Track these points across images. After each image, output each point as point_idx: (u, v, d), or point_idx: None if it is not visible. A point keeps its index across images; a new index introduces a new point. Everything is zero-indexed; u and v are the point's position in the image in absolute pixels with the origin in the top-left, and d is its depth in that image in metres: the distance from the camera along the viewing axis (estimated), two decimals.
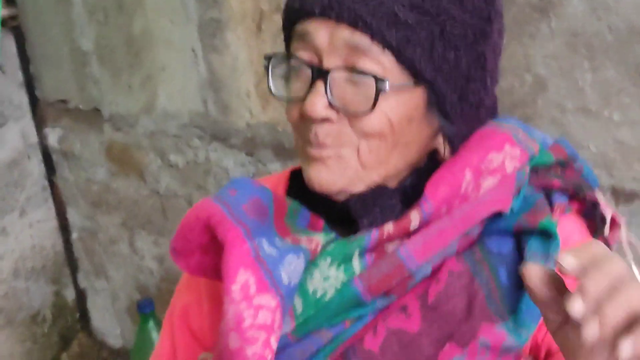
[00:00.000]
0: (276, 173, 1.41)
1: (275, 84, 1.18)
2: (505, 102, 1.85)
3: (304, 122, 1.13)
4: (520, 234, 1.15)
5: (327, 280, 1.13)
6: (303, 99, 1.11)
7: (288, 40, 1.18)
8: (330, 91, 1.09)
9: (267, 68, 1.17)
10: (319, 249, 1.15)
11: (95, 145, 3.07)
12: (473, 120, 1.19)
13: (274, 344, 1.08)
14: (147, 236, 3.04)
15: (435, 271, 1.14)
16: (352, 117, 1.10)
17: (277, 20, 2.29)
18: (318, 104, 1.09)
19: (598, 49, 1.72)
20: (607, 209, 1.24)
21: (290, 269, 1.11)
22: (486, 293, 1.12)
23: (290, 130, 2.33)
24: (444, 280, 1.13)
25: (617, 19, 1.66)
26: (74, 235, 3.32)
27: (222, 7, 2.41)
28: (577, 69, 1.76)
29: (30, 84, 3.17)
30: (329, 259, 1.14)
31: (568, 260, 0.87)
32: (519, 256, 1.14)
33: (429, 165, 1.19)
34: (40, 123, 3.20)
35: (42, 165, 3.24)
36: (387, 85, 1.07)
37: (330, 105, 1.10)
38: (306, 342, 1.13)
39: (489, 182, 1.16)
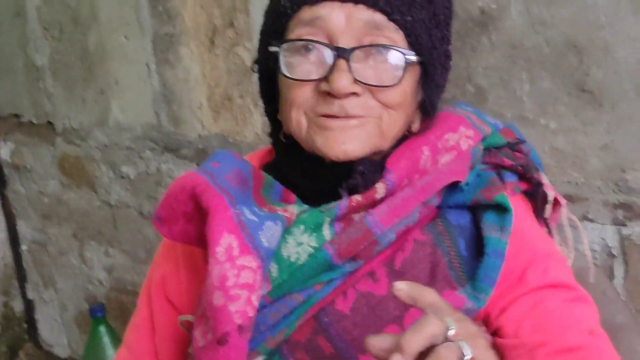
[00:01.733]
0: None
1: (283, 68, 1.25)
2: None
3: (322, 99, 1.22)
4: (476, 209, 1.26)
5: (301, 246, 1.22)
6: (324, 78, 1.20)
7: (281, 30, 1.25)
8: (354, 67, 1.19)
9: (277, 54, 1.24)
10: (293, 217, 1.24)
11: (47, 159, 3.14)
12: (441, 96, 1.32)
13: (255, 302, 1.17)
14: (98, 247, 3.10)
15: (400, 240, 1.24)
16: (377, 90, 1.21)
17: (230, 35, 2.39)
18: (345, 80, 1.18)
19: (535, 61, 1.82)
20: (550, 190, 1.36)
21: (269, 234, 1.20)
22: (447, 261, 1.23)
23: (240, 141, 2.44)
24: (410, 248, 1.23)
25: (553, 33, 1.77)
26: (24, 247, 3.36)
27: (176, 22, 2.51)
28: (516, 80, 1.86)
29: None
30: (302, 227, 1.23)
31: (401, 286, 0.98)
32: (476, 229, 1.26)
33: (399, 140, 1.30)
34: None
35: None
36: (413, 58, 1.19)
37: (356, 80, 1.19)
38: (280, 303, 1.22)
39: (445, 158, 1.28)
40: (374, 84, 1.20)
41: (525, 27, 1.81)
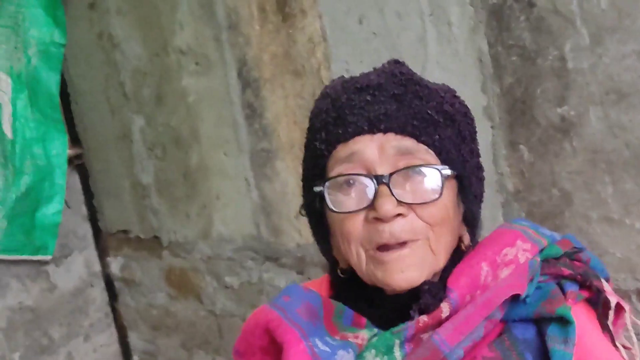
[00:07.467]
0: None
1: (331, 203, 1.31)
2: (536, 215, 2.00)
3: (373, 227, 1.27)
4: (540, 321, 1.29)
5: None
6: (370, 206, 1.26)
7: (321, 171, 1.31)
8: (395, 191, 1.25)
9: (322, 194, 1.29)
10: (364, 343, 1.29)
11: (155, 272, 3.27)
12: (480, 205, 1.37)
13: None
14: (205, 356, 3.18)
15: (468, 358, 1.26)
16: (420, 208, 1.26)
17: None
18: (390, 204, 1.24)
19: (617, 164, 1.85)
20: (612, 296, 1.37)
21: None
22: None
23: None
24: None
25: (632, 136, 1.81)
26: (135, 358, 3.47)
27: (271, 138, 2.62)
28: (599, 183, 1.90)
29: (93, 217, 3.40)
30: (373, 351, 1.27)
31: None
32: (541, 341, 1.28)
33: (454, 255, 1.35)
34: (102, 252, 3.42)
35: (105, 292, 3.44)
36: (448, 172, 1.26)
37: (399, 202, 1.25)
38: None
39: (505, 272, 1.31)
40: (417, 202, 1.25)
41: (605, 132, 1.85)
